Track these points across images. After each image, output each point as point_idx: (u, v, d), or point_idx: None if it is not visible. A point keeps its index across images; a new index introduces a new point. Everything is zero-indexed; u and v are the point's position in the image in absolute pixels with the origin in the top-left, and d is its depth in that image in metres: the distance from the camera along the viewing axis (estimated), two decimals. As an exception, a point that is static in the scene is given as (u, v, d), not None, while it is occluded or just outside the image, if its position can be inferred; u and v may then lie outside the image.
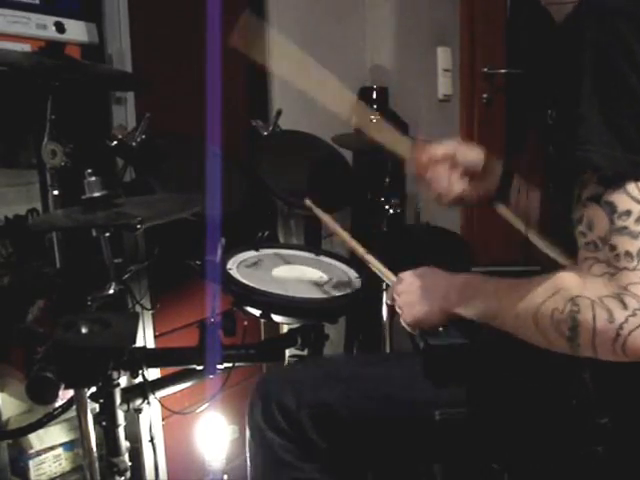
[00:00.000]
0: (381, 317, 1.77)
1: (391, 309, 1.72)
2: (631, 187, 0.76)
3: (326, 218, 1.31)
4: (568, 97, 0.82)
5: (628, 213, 0.75)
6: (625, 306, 0.74)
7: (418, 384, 1.00)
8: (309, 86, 1.23)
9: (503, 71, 2.64)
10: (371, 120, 1.28)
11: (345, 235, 1.25)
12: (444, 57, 2.54)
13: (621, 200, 0.76)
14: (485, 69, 2.62)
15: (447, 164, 1.18)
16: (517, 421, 0.98)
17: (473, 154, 1.20)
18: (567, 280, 0.80)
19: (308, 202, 1.32)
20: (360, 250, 1.21)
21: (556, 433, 0.95)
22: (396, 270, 1.13)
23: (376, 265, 1.17)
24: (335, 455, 1.04)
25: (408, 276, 1.07)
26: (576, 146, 0.78)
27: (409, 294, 1.04)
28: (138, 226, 1.07)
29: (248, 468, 1.11)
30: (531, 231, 1.13)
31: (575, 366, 0.91)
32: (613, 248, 0.76)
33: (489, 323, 0.93)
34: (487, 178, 1.20)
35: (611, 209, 0.76)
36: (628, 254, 0.75)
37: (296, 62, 1.23)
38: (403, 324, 1.06)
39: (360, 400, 1.03)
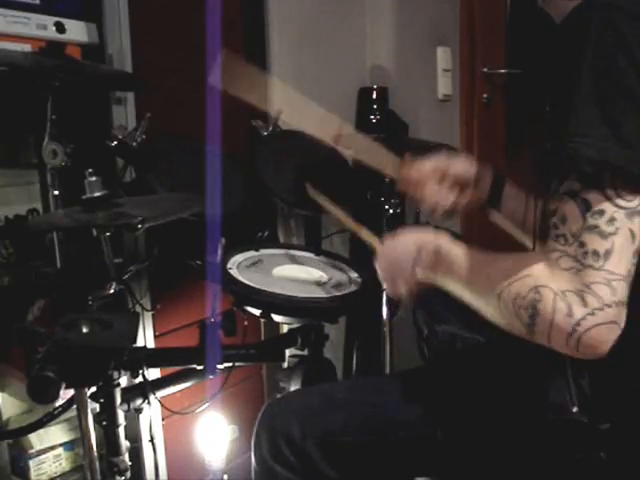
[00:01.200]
0: (381, 317, 1.77)
1: (391, 309, 1.72)
2: (608, 188, 0.76)
3: (324, 201, 1.32)
4: (565, 91, 0.82)
5: (601, 213, 0.76)
6: (585, 304, 0.75)
7: (418, 405, 1.01)
8: (292, 115, 1.25)
9: (503, 71, 2.64)
10: (358, 141, 1.28)
11: (341, 214, 1.27)
12: (444, 57, 2.53)
13: (596, 199, 0.77)
14: (485, 69, 2.61)
15: (436, 178, 1.19)
16: (517, 428, 0.98)
17: (462, 165, 1.20)
18: (534, 267, 0.81)
19: (309, 187, 1.34)
20: (353, 224, 1.23)
21: (557, 440, 0.94)
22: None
23: (364, 232, 1.19)
24: None
25: (387, 240, 1.08)
26: (567, 137, 0.79)
27: (386, 257, 1.06)
28: (139, 226, 1.07)
29: None
30: (527, 237, 1.14)
31: (574, 372, 0.91)
32: (582, 245, 0.77)
33: (454, 292, 0.94)
34: (478, 187, 1.20)
35: (585, 206, 0.77)
36: (595, 253, 0.76)
37: (279, 94, 1.25)
38: (384, 286, 1.07)
39: (361, 426, 1.02)
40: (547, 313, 0.77)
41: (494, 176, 1.20)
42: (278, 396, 1.44)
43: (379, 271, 1.08)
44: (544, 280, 0.79)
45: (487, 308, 0.88)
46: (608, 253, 0.75)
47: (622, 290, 0.76)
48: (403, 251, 1.02)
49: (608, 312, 0.75)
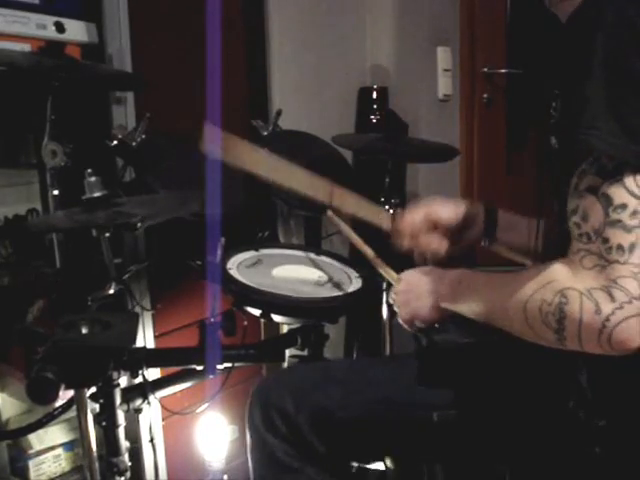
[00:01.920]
0: (381, 317, 1.77)
1: (391, 309, 1.72)
2: (629, 181, 0.76)
3: (345, 228, 1.33)
4: (575, 82, 0.81)
5: (623, 207, 0.75)
6: (613, 299, 0.74)
7: (415, 386, 1.02)
8: (281, 180, 1.27)
9: (503, 71, 2.64)
10: (350, 198, 1.30)
11: (360, 242, 1.28)
12: (444, 57, 2.54)
13: (618, 193, 0.76)
14: (485, 69, 2.62)
15: (428, 228, 1.19)
16: (514, 423, 0.98)
17: (451, 210, 1.20)
18: (557, 272, 0.80)
19: (330, 213, 1.34)
20: (371, 254, 1.24)
21: (553, 435, 0.95)
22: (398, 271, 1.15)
23: (384, 268, 1.20)
24: (335, 458, 1.05)
25: (405, 276, 1.09)
26: (579, 129, 0.78)
27: (405, 293, 1.07)
28: (138, 225, 1.07)
29: (250, 471, 1.11)
30: (532, 260, 1.14)
31: (571, 368, 0.91)
32: (606, 241, 0.76)
33: (479, 318, 0.93)
34: (471, 227, 1.20)
35: (607, 201, 0.76)
36: (620, 247, 0.75)
37: (270, 163, 1.25)
38: (400, 322, 1.08)
39: (358, 404, 1.04)
40: (575, 314, 0.77)
41: (486, 212, 1.20)
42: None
43: (396, 306, 1.09)
44: (569, 282, 0.78)
45: (513, 325, 0.86)
46: (633, 246, 0.75)
47: None
48: (422, 284, 1.04)
49: (637, 304, 0.74)
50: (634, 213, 0.75)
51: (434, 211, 1.20)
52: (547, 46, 0.99)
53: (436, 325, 1.03)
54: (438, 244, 1.20)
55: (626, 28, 0.77)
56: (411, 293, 1.05)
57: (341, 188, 1.30)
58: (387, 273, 1.19)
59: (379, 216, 1.29)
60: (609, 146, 0.76)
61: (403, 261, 1.20)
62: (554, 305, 0.78)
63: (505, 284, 0.88)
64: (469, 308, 0.95)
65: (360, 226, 1.32)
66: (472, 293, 0.95)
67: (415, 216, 1.20)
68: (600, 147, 0.77)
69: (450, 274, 1.01)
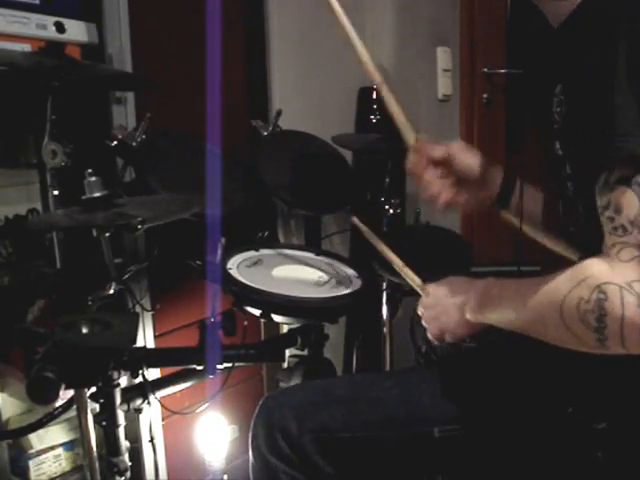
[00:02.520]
0: (381, 317, 1.77)
1: (391, 309, 1.72)
2: None
3: (370, 235, 1.28)
4: (594, 92, 0.80)
5: None
6: None
7: (416, 403, 1.01)
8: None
9: (503, 71, 2.64)
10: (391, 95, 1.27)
11: (386, 249, 1.23)
12: (444, 57, 2.54)
13: None
14: (485, 69, 2.62)
15: (443, 168, 1.15)
16: (515, 430, 0.98)
17: (471, 160, 1.15)
18: (593, 268, 0.77)
19: (355, 220, 1.31)
20: (399, 263, 1.19)
21: (554, 441, 0.94)
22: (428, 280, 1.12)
23: (411, 277, 1.16)
24: (340, 478, 1.03)
25: (433, 289, 1.06)
26: (614, 137, 0.76)
27: (434, 307, 1.04)
28: (139, 227, 1.07)
29: None
30: (540, 234, 1.12)
31: (570, 373, 0.91)
32: None
33: (512, 328, 0.90)
34: (486, 185, 1.17)
35: None
36: None
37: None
38: (430, 337, 1.05)
39: (360, 423, 1.03)
40: (616, 309, 0.73)
41: (505, 176, 1.16)
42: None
43: (425, 321, 1.06)
44: (606, 277, 0.75)
45: (549, 330, 0.83)
46: None
47: None
48: (450, 297, 1.01)
49: None
50: None
51: (456, 154, 1.15)
52: (546, 47, 0.98)
53: (466, 340, 1.00)
54: (448, 188, 1.14)
55: None
56: (439, 307, 1.02)
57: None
58: (414, 283, 1.15)
59: (406, 128, 1.23)
60: None
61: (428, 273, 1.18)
62: (592, 302, 0.75)
63: (537, 288, 0.83)
64: (500, 317, 0.92)
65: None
66: (503, 302, 0.92)
67: (436, 151, 1.14)
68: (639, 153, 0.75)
69: (478, 284, 0.98)
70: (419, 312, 1.08)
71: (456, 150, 1.15)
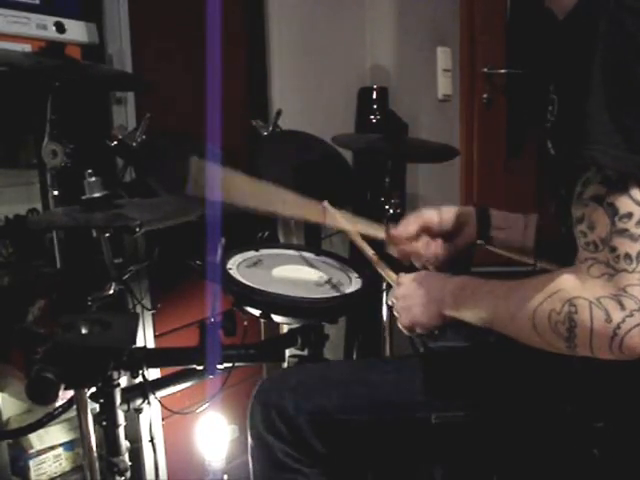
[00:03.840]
0: (381, 317, 1.77)
1: (391, 309, 1.72)
2: (634, 190, 0.76)
3: (343, 222, 1.31)
4: (573, 93, 0.81)
5: (629, 215, 0.76)
6: (623, 307, 0.75)
7: (414, 388, 1.02)
8: (274, 206, 1.26)
9: (503, 71, 2.64)
10: (339, 217, 1.30)
11: (359, 238, 1.27)
12: (444, 57, 2.54)
13: (623, 202, 0.76)
14: (485, 69, 2.62)
15: (423, 234, 1.20)
16: (512, 426, 0.98)
17: (441, 214, 1.21)
18: (565, 281, 0.81)
19: (326, 204, 1.32)
20: (370, 252, 1.23)
21: (552, 438, 0.95)
22: (399, 272, 1.14)
23: (382, 267, 1.19)
24: (335, 459, 1.05)
25: (407, 280, 1.08)
26: (582, 144, 0.78)
27: (407, 298, 1.06)
28: (137, 229, 1.07)
29: (250, 472, 1.11)
30: (526, 257, 1.14)
31: (568, 371, 0.91)
32: (613, 250, 0.76)
33: (484, 325, 0.93)
34: (465, 228, 1.21)
35: (613, 211, 0.77)
36: (627, 256, 0.76)
37: (251, 189, 1.26)
38: (400, 327, 1.07)
39: (357, 406, 1.04)
40: (585, 322, 0.77)
41: (478, 213, 1.21)
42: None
43: (395, 309, 1.08)
44: (577, 291, 0.79)
45: (520, 333, 0.86)
46: None
47: None
48: (424, 290, 1.03)
49: None
50: None
51: (426, 217, 1.21)
52: (546, 46, 0.99)
53: (435, 332, 1.02)
54: (435, 247, 1.20)
55: (624, 39, 0.77)
56: (412, 299, 1.04)
57: (332, 207, 1.30)
58: (386, 273, 1.18)
59: (373, 228, 1.29)
60: (613, 160, 0.76)
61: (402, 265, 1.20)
62: (563, 314, 0.79)
63: (511, 292, 0.88)
64: (474, 315, 0.95)
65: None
66: (477, 301, 0.94)
67: (409, 225, 1.21)
68: (604, 162, 0.77)
69: (452, 281, 1.01)
70: (389, 302, 1.11)
71: (426, 215, 1.21)
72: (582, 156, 0.78)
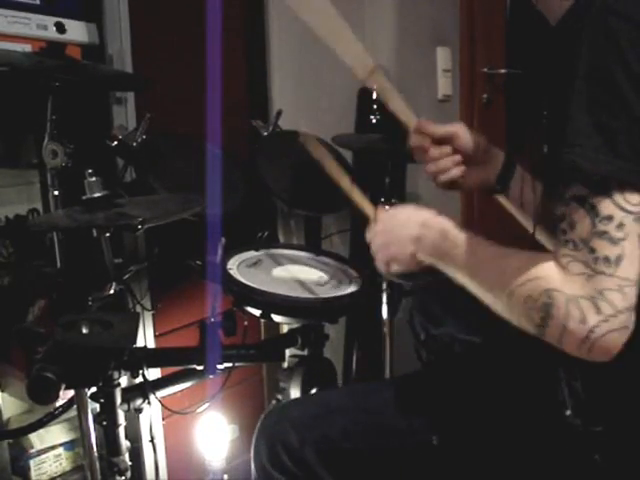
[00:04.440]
0: (381, 317, 1.77)
1: (390, 309, 1.72)
2: (615, 193, 0.76)
3: (322, 152, 1.27)
4: (562, 95, 0.81)
5: (610, 218, 0.76)
6: (599, 311, 0.75)
7: (414, 410, 1.01)
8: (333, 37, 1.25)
9: (503, 71, 2.64)
10: (386, 88, 1.27)
11: (334, 166, 1.23)
12: (444, 57, 2.54)
13: (604, 205, 0.76)
14: (485, 69, 2.61)
15: (446, 146, 1.17)
16: (513, 433, 0.97)
17: (473, 140, 1.18)
18: (547, 269, 0.80)
19: (303, 135, 1.30)
20: (347, 184, 1.19)
21: (552, 444, 0.94)
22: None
23: (360, 201, 1.15)
24: None
25: (385, 216, 1.05)
26: (564, 147, 0.78)
27: (384, 234, 1.03)
28: (139, 227, 1.08)
29: None
30: (534, 225, 1.13)
31: (567, 375, 0.91)
32: (592, 251, 0.76)
33: (458, 281, 0.92)
34: (487, 167, 1.18)
35: (594, 212, 0.76)
36: (606, 259, 0.75)
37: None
38: (377, 267, 1.05)
39: (359, 433, 1.02)
40: (560, 318, 0.77)
41: (506, 159, 1.18)
42: (276, 399, 1.45)
43: (372, 245, 1.05)
44: (556, 284, 0.78)
45: (495, 302, 0.87)
46: (619, 259, 0.75)
47: (632, 295, 0.76)
48: (404, 228, 1.00)
49: (620, 318, 0.75)
50: (620, 225, 0.75)
51: (459, 134, 1.17)
52: (541, 49, 0.99)
53: (413, 272, 1.00)
54: (450, 166, 1.16)
55: (605, 40, 0.76)
56: (390, 235, 1.01)
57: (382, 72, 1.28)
58: (364, 207, 1.13)
59: (406, 113, 1.26)
60: (592, 163, 0.76)
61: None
62: (540, 303, 0.79)
63: (494, 262, 0.88)
64: (448, 270, 0.94)
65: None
66: (456, 257, 0.92)
67: (439, 129, 1.17)
68: (583, 165, 0.77)
69: (435, 223, 0.97)
70: (367, 238, 1.07)
71: (458, 129, 1.18)
72: (563, 159, 0.78)
